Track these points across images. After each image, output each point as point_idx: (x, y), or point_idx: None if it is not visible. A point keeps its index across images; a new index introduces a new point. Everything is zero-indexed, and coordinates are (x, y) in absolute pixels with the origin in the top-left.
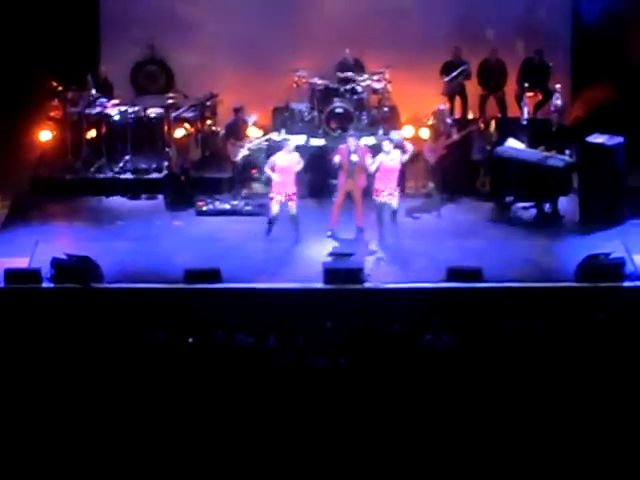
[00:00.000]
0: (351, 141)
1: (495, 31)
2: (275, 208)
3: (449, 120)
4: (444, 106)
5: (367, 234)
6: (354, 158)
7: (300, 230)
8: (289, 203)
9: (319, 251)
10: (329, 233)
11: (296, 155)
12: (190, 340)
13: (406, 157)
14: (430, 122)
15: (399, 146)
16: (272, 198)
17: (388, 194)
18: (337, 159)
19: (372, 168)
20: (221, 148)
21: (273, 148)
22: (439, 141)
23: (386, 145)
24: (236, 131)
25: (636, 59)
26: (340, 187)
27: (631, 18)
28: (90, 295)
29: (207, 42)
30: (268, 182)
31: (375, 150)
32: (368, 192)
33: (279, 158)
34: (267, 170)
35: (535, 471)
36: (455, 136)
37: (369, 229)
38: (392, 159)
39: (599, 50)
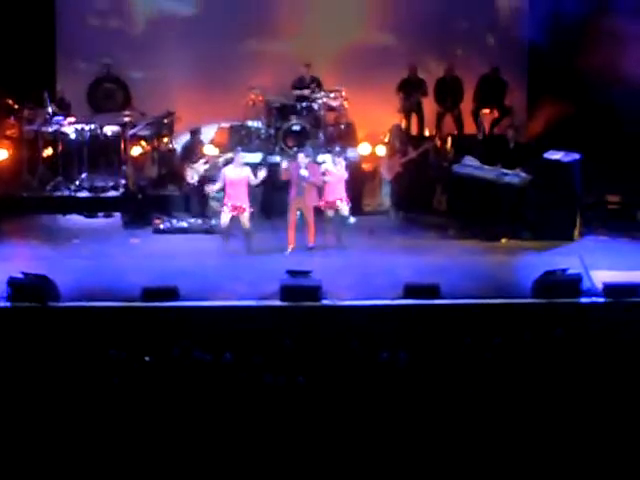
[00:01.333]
0: (301, 157)
1: (451, 48)
2: (224, 219)
3: (404, 138)
4: (400, 124)
5: (324, 251)
6: (303, 173)
7: (252, 243)
8: (241, 216)
9: (276, 268)
10: (287, 252)
11: (247, 169)
12: (147, 358)
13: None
14: (387, 139)
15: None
16: (222, 210)
17: (332, 205)
18: (284, 176)
19: (327, 179)
20: (177, 168)
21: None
22: (395, 158)
23: (301, 158)
24: (192, 153)
25: (590, 76)
26: (290, 204)
27: (585, 34)
28: (47, 314)
29: (164, 60)
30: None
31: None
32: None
33: (229, 171)
34: (217, 183)
35: None
36: (412, 154)
37: (322, 247)
38: (338, 170)
39: (554, 67)
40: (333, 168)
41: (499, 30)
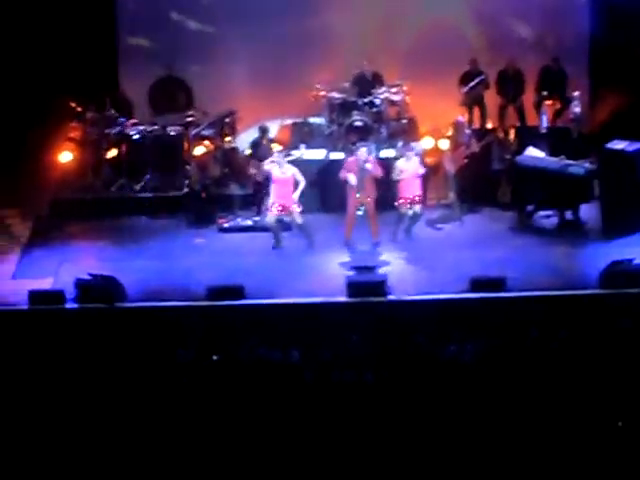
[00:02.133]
0: (362, 152)
1: (512, 41)
2: (271, 219)
3: (468, 131)
4: (463, 117)
5: (387, 246)
6: (368, 166)
7: (312, 238)
8: (290, 214)
9: (340, 264)
10: (345, 241)
11: (291, 168)
12: (214, 357)
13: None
14: (449, 133)
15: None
16: (268, 210)
17: (411, 202)
18: (352, 178)
19: (395, 177)
20: (243, 166)
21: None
22: (458, 152)
23: (361, 153)
24: (259, 151)
25: None
26: (350, 200)
27: None
28: (114, 315)
29: (225, 59)
30: None
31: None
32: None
33: (274, 170)
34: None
35: None
36: (475, 147)
37: (386, 241)
38: (412, 165)
39: (616, 57)
40: (406, 164)
41: (560, 21)
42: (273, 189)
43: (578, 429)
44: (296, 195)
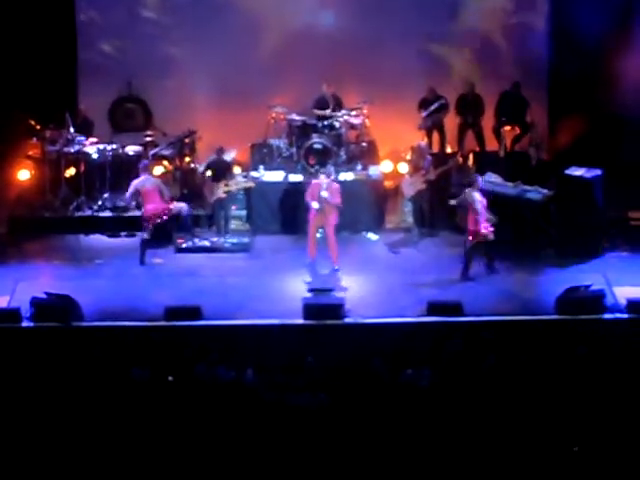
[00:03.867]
0: (322, 177)
1: (472, 65)
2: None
3: (428, 156)
4: (424, 142)
5: (345, 269)
6: (324, 194)
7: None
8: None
9: (298, 287)
10: (307, 262)
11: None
12: (170, 378)
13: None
14: (408, 157)
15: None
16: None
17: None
18: (315, 204)
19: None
20: (200, 186)
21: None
22: (417, 176)
23: (322, 178)
24: (215, 171)
25: (610, 92)
26: (310, 221)
27: (605, 51)
28: (70, 334)
29: (185, 79)
30: (247, 219)
31: None
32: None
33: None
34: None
35: None
36: (432, 175)
37: (348, 264)
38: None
39: (575, 84)
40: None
41: (519, 48)
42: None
43: (533, 455)
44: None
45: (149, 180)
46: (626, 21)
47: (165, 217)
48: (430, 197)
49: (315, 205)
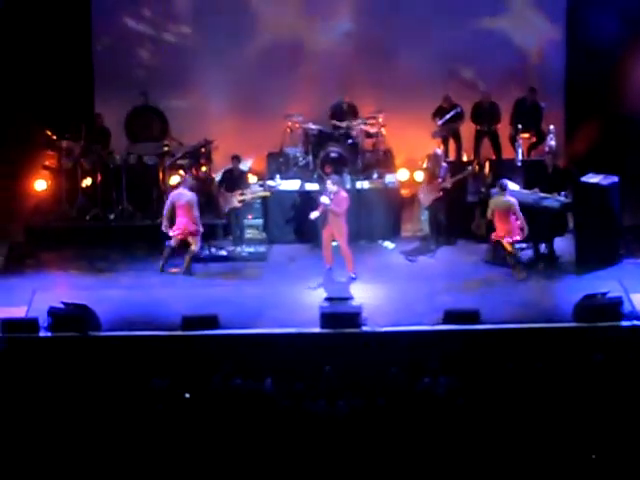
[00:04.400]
0: (329, 184)
1: (488, 73)
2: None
3: (444, 164)
4: (440, 149)
5: (362, 278)
6: (324, 200)
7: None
8: (189, 239)
9: (315, 296)
10: (327, 268)
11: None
12: (187, 395)
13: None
14: (425, 165)
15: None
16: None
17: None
18: (314, 214)
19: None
20: (216, 196)
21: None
22: (434, 184)
23: (329, 185)
24: (229, 180)
25: (627, 99)
26: (322, 231)
27: (621, 59)
28: (88, 343)
29: (201, 88)
30: (263, 228)
31: None
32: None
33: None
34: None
35: None
36: (448, 183)
37: (364, 272)
38: (505, 201)
39: (591, 91)
40: (498, 201)
41: (536, 56)
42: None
43: (551, 462)
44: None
45: (185, 195)
46: None
47: (190, 239)
48: (446, 205)
49: (314, 215)
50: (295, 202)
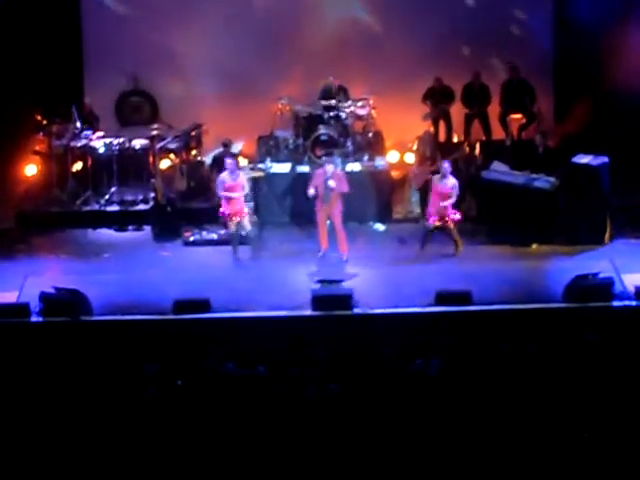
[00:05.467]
0: (328, 167)
1: (477, 55)
2: (232, 226)
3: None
4: (431, 130)
5: (353, 260)
6: (331, 184)
7: (257, 250)
8: (241, 221)
9: (307, 278)
10: (320, 254)
11: (241, 176)
12: (178, 382)
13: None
14: (415, 147)
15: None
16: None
17: (440, 219)
18: (312, 191)
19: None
20: (207, 179)
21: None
22: (425, 166)
23: (328, 168)
24: (221, 165)
25: (616, 79)
26: (318, 213)
27: (610, 37)
28: (79, 328)
29: (190, 72)
30: (255, 211)
31: None
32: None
33: (226, 178)
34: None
35: None
36: (440, 163)
37: (355, 254)
38: (445, 183)
39: (581, 71)
40: (439, 181)
41: (524, 35)
42: (225, 199)
43: (543, 442)
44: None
45: (234, 175)
46: (630, 5)
47: (241, 218)
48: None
49: (311, 192)
50: (286, 185)
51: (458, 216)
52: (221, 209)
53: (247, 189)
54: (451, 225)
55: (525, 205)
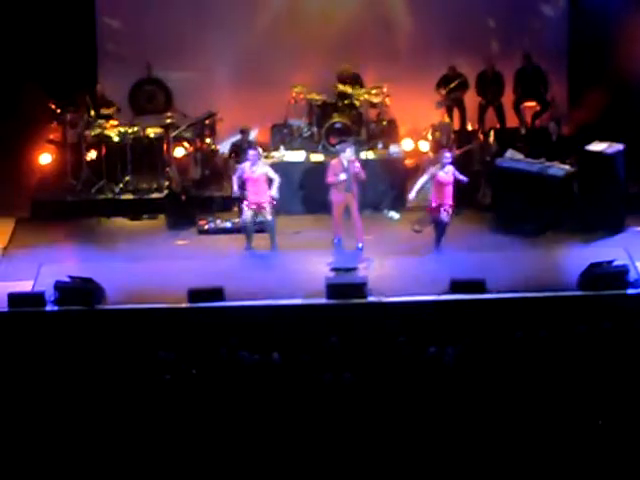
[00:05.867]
0: (348, 153)
1: (491, 43)
2: (246, 218)
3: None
4: (447, 119)
5: (369, 248)
6: (342, 177)
7: (274, 240)
8: (262, 212)
9: (321, 266)
10: (335, 240)
11: (263, 166)
12: (193, 371)
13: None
14: (429, 135)
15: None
16: (242, 207)
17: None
18: (332, 177)
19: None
20: (221, 168)
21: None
22: (439, 154)
23: (344, 155)
24: (239, 152)
25: (631, 66)
26: (335, 202)
27: (625, 25)
28: (94, 317)
29: (204, 60)
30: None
31: None
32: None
33: (246, 169)
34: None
35: None
36: (456, 151)
37: (370, 243)
38: (447, 172)
39: (595, 58)
40: (442, 174)
41: (539, 24)
42: (246, 188)
43: (559, 429)
44: (274, 192)
45: (255, 166)
46: None
47: (262, 209)
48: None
49: (343, 176)
50: (300, 173)
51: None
52: (244, 200)
53: (275, 177)
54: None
55: (539, 193)
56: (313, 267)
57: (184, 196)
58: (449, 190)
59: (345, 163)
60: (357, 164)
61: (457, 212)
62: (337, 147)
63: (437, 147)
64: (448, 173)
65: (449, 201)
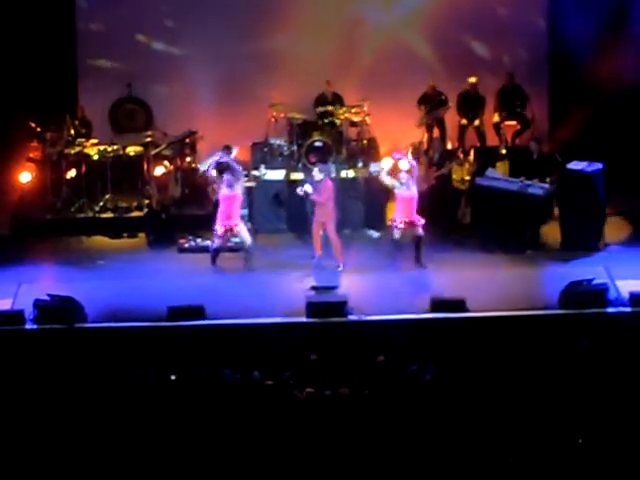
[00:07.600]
0: (315, 172)
1: (472, 61)
2: (220, 241)
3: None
4: (436, 137)
5: (349, 266)
6: (307, 188)
7: (251, 260)
8: (235, 233)
9: (301, 285)
10: (314, 260)
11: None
12: (172, 377)
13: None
14: (410, 153)
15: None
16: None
17: (408, 224)
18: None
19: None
20: (201, 186)
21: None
22: (431, 171)
23: (315, 173)
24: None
25: (610, 86)
26: (315, 221)
27: (605, 45)
28: (74, 335)
29: (185, 79)
30: (249, 218)
31: None
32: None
33: (223, 189)
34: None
35: None
36: (445, 169)
37: (350, 261)
38: (408, 187)
39: (575, 77)
40: (402, 189)
41: (519, 41)
42: (219, 210)
43: (539, 447)
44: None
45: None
46: (624, 13)
47: (236, 232)
48: (431, 193)
49: (300, 191)
50: (280, 192)
51: (422, 221)
52: (216, 226)
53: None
54: (421, 232)
55: (519, 211)
56: (293, 285)
57: (164, 215)
58: (406, 205)
59: (315, 180)
60: (308, 185)
61: (436, 230)
62: (315, 167)
63: (428, 163)
64: (404, 184)
65: (402, 217)
